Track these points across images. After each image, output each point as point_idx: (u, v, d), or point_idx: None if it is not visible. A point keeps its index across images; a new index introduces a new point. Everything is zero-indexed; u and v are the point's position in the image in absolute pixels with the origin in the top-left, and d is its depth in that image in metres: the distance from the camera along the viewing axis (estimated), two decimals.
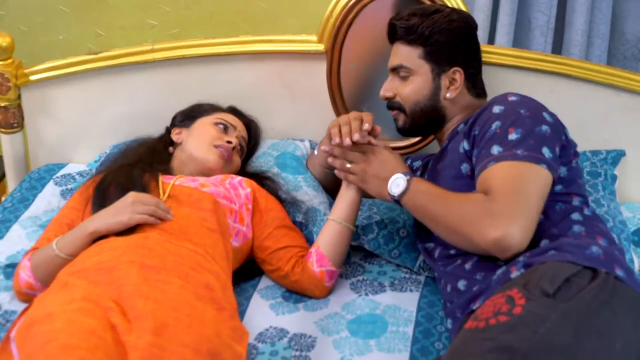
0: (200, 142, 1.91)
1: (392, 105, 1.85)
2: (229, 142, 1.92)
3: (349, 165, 1.76)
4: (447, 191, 1.61)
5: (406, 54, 1.81)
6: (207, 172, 1.89)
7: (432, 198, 1.60)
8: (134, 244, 1.55)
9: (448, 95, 1.80)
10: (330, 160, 1.80)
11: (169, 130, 2.03)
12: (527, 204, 1.48)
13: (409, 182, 1.63)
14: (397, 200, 1.65)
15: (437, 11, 1.82)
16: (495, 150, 1.56)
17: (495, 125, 1.60)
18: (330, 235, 1.78)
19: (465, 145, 1.67)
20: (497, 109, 1.63)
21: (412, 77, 1.81)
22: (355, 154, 1.75)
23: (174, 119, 2.06)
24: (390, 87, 1.85)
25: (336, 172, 1.80)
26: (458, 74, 1.80)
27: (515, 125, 1.58)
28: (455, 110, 1.82)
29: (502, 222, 1.45)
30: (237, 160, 1.97)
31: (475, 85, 1.85)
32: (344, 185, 1.81)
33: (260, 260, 1.84)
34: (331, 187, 2.01)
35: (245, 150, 2.03)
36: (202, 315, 1.45)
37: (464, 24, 1.84)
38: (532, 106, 1.64)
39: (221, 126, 1.96)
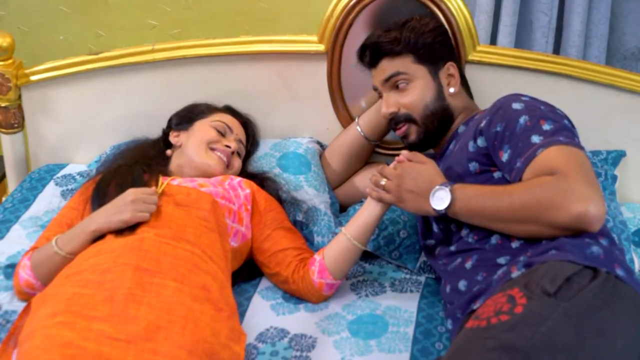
0: (199, 145, 1.90)
1: (399, 119, 1.83)
2: (227, 147, 1.92)
3: (382, 182, 1.67)
4: (497, 186, 1.57)
5: (399, 64, 1.82)
6: (207, 175, 1.88)
7: (487, 197, 1.53)
8: (130, 246, 1.55)
9: (451, 90, 1.83)
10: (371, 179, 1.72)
11: (165, 133, 2.03)
12: (594, 178, 1.48)
13: (452, 191, 1.56)
14: (444, 213, 1.58)
15: (408, 20, 1.86)
16: (536, 139, 1.54)
17: (523, 119, 1.58)
18: (337, 249, 1.74)
19: (480, 142, 1.65)
20: (517, 106, 1.62)
21: (411, 84, 1.81)
22: (389, 170, 1.67)
23: (170, 121, 2.05)
24: (391, 102, 1.83)
25: (367, 190, 1.71)
26: (452, 68, 1.84)
27: (543, 118, 1.58)
28: (459, 108, 1.84)
29: (582, 196, 1.42)
30: (237, 163, 1.96)
31: (466, 82, 1.89)
32: (367, 202, 1.74)
33: (260, 262, 1.83)
34: (346, 176, 2.09)
35: (244, 151, 2.02)
36: (198, 316, 1.44)
37: (436, 22, 1.90)
38: (547, 104, 1.65)
39: (219, 129, 1.95)
